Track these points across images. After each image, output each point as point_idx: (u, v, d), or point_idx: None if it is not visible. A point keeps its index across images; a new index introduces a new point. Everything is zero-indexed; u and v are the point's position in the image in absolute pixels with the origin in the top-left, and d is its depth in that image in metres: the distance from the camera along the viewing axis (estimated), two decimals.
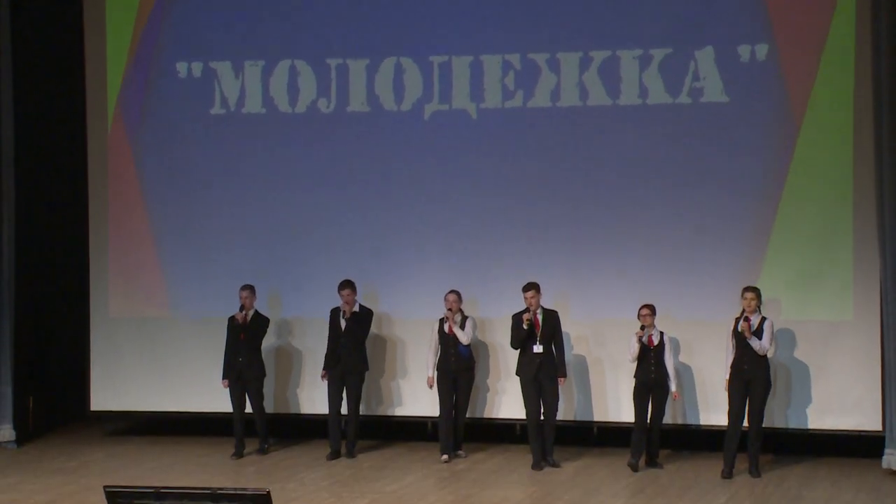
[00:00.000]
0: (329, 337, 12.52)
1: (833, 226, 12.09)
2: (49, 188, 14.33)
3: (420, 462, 12.18)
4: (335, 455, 12.31)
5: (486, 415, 12.88)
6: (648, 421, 11.68)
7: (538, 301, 11.78)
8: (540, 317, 11.77)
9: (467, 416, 12.56)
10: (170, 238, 13.60)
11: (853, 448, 12.12)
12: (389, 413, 13.13)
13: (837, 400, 12.08)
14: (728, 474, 11.27)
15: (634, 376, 11.72)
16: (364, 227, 13.14)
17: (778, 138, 12.19)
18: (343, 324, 12.37)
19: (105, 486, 8.52)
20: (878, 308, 11.82)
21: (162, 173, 13.60)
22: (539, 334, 11.75)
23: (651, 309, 11.70)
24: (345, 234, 13.17)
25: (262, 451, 12.60)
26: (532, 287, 11.80)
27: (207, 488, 8.48)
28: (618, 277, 12.50)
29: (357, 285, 12.52)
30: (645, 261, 12.48)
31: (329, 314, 12.55)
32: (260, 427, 12.63)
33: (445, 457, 12.12)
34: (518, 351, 11.90)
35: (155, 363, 13.57)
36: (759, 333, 11.36)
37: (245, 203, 13.40)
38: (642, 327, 11.62)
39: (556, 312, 11.92)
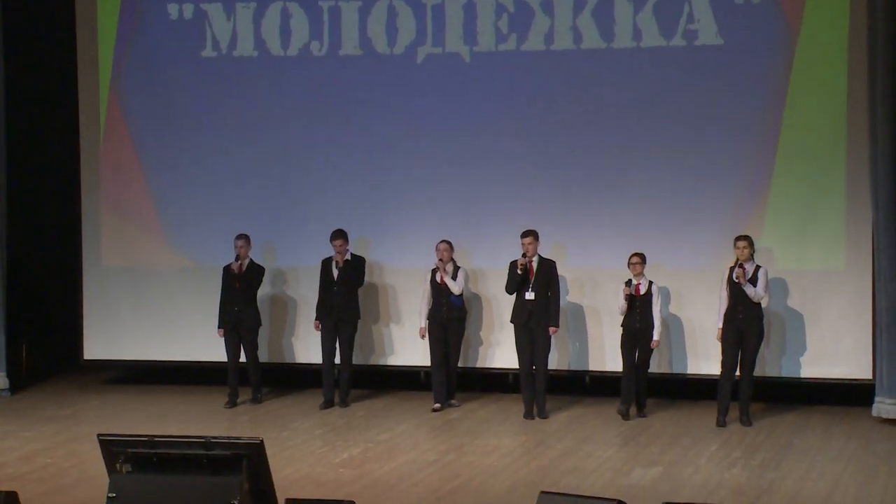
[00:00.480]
0: (320, 286, 12.50)
1: (826, 176, 12.07)
2: (40, 134, 14.27)
3: (413, 411, 12.22)
4: (328, 404, 12.34)
5: (480, 365, 12.91)
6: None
7: (535, 248, 11.77)
8: (535, 264, 11.77)
9: (460, 365, 12.59)
10: (163, 186, 13.55)
11: (844, 396, 12.18)
12: (382, 362, 13.16)
13: (829, 349, 12.12)
14: (722, 423, 11.30)
15: (621, 325, 11.76)
16: (357, 173, 13.10)
17: (772, 84, 12.14)
18: (336, 273, 12.35)
19: (99, 435, 8.54)
20: (870, 258, 11.84)
21: (153, 119, 13.52)
22: (532, 281, 11.74)
23: (641, 257, 11.70)
24: (338, 180, 13.13)
25: (256, 400, 12.63)
26: (530, 234, 11.78)
27: (201, 437, 8.50)
28: (612, 225, 12.49)
29: (350, 233, 12.50)
30: (639, 208, 12.46)
31: (320, 264, 12.53)
32: (253, 376, 12.63)
33: (437, 405, 12.15)
34: (514, 297, 11.91)
35: (148, 312, 13.57)
36: (753, 281, 11.36)
37: (238, 150, 13.35)
38: (628, 283, 11.62)
39: (553, 262, 11.91)
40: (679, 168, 12.39)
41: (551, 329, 11.82)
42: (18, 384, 13.49)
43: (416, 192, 12.98)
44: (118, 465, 8.38)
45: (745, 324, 11.34)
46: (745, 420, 11.38)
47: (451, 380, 12.35)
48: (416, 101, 12.95)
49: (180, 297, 13.47)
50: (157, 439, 8.44)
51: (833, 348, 12.10)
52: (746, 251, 11.37)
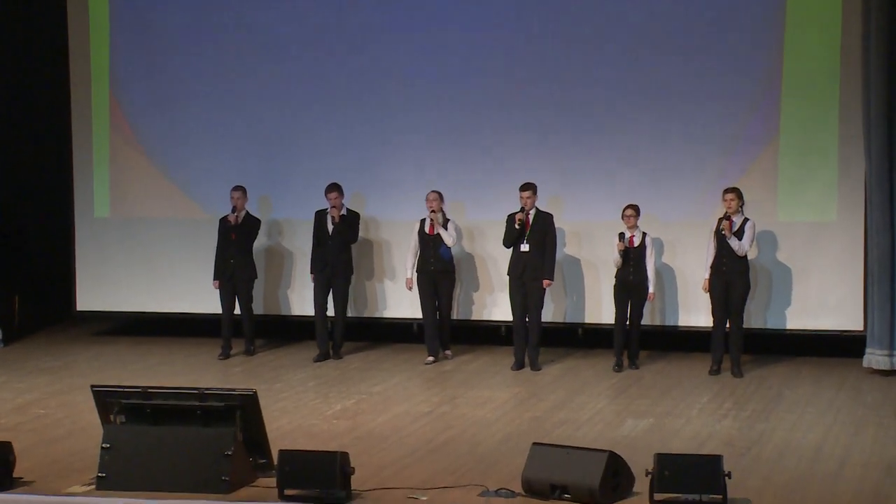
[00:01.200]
0: (314, 240, 12.48)
1: (818, 127, 12.06)
2: (30, 86, 14.18)
3: (406, 363, 12.25)
4: (323, 357, 12.35)
5: (474, 317, 12.92)
6: (628, 322, 11.76)
7: (533, 202, 11.74)
8: (532, 217, 11.74)
9: (454, 317, 12.61)
10: (156, 138, 13.51)
11: (835, 348, 12.23)
12: (376, 315, 13.17)
13: (820, 300, 12.15)
14: (716, 371, 11.40)
15: (615, 276, 11.77)
16: (352, 127, 13.04)
17: (766, 37, 12.10)
18: (330, 227, 12.32)
19: (92, 386, 8.57)
20: (863, 209, 11.85)
21: (148, 74, 13.45)
22: (528, 234, 11.72)
23: (635, 209, 11.69)
24: (333, 135, 13.08)
25: (249, 352, 12.64)
26: (528, 187, 11.75)
27: (195, 388, 8.54)
28: (606, 178, 12.47)
29: (346, 186, 12.47)
30: (632, 160, 12.44)
31: (314, 216, 12.51)
32: (247, 329, 12.64)
33: (431, 359, 12.14)
34: (510, 251, 11.91)
35: (141, 263, 13.57)
36: (739, 234, 11.37)
37: (231, 102, 13.28)
38: (621, 236, 11.57)
39: (550, 215, 11.87)
40: (673, 121, 12.36)
41: (545, 282, 11.83)
42: (11, 335, 13.51)
43: (412, 145, 12.94)
44: (112, 416, 8.42)
45: (730, 276, 11.38)
46: (737, 372, 11.43)
47: (445, 332, 12.34)
48: (411, 54, 12.86)
49: (173, 248, 13.46)
50: (150, 390, 8.48)
51: (825, 300, 12.13)
52: (735, 203, 11.36)
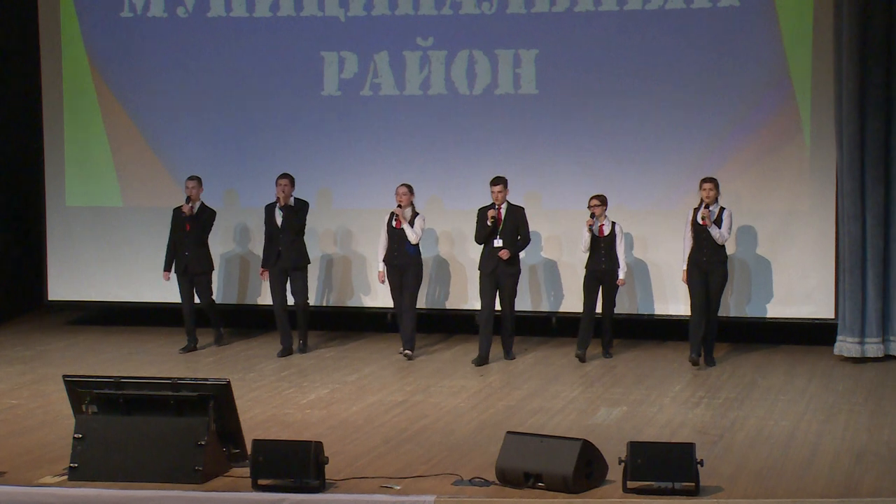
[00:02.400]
0: (266, 233, 12.15)
1: (790, 115, 12.11)
2: (1, 75, 14.10)
3: (380, 353, 12.24)
4: (286, 352, 12.07)
5: (449, 306, 12.91)
6: (599, 311, 11.72)
7: (504, 196, 11.57)
8: (504, 211, 11.58)
9: (426, 306, 12.57)
10: (126, 128, 13.44)
11: (807, 336, 12.29)
12: (350, 304, 13.15)
13: (792, 289, 12.22)
14: (695, 360, 11.28)
15: (585, 266, 11.69)
16: (321, 118, 13.02)
17: (738, 32, 12.13)
18: (279, 217, 11.99)
19: (64, 376, 8.52)
20: (834, 198, 11.90)
21: (122, 61, 13.39)
22: (500, 229, 11.58)
23: (601, 199, 11.59)
24: (302, 123, 13.06)
25: (219, 343, 12.54)
26: (500, 181, 11.57)
27: (168, 378, 8.51)
28: (580, 168, 12.48)
29: (314, 175, 12.39)
30: (605, 149, 12.47)
31: (264, 211, 12.20)
32: (212, 319, 12.46)
33: (408, 352, 11.89)
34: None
35: (112, 253, 13.52)
36: (717, 223, 11.34)
37: (199, 93, 13.25)
38: (592, 216, 11.51)
39: (521, 208, 11.71)
40: (645, 109, 12.39)
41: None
42: None
43: (381, 130, 12.92)
44: (84, 406, 8.38)
45: (709, 266, 11.31)
46: (710, 360, 11.46)
47: (406, 329, 11.88)
48: (377, 41, 12.85)
49: (144, 238, 13.40)
50: (123, 380, 8.45)
51: (797, 288, 12.20)
52: (712, 193, 11.29)
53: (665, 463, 7.68)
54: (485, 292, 11.71)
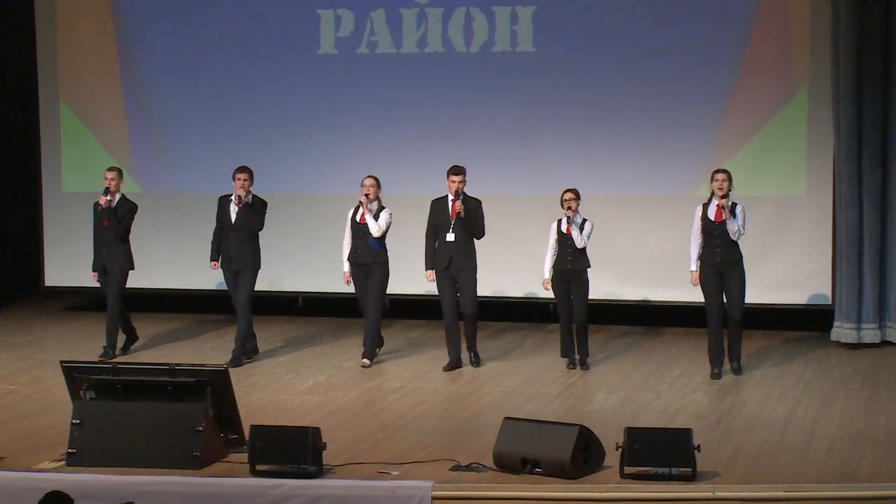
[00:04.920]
0: (216, 228, 11.19)
1: (787, 100, 12.10)
2: None
3: (387, 335, 12.16)
4: (235, 363, 10.88)
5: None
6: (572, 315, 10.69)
7: (463, 187, 10.68)
8: (460, 203, 10.67)
9: (412, 292, 12.24)
10: (123, 113, 13.42)
11: (804, 321, 12.30)
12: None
13: (789, 275, 12.22)
14: (717, 375, 10.38)
15: (552, 267, 10.71)
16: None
17: (735, 18, 12.11)
18: (233, 216, 11.05)
19: (62, 362, 8.53)
20: (831, 183, 11.90)
21: (117, 44, 13.38)
22: (454, 222, 10.71)
23: (575, 193, 10.61)
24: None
25: (107, 355, 11.17)
26: (461, 171, 10.73)
27: (165, 364, 8.52)
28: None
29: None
30: (604, 137, 12.45)
31: (217, 202, 11.26)
32: (109, 327, 11.27)
33: (366, 361, 10.99)
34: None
35: None
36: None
37: (202, 80, 13.24)
38: (568, 209, 10.52)
39: (478, 201, 10.80)
40: (642, 98, 12.36)
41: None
42: None
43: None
44: (82, 392, 8.40)
45: (724, 266, 10.35)
46: (737, 368, 10.52)
47: (368, 334, 10.97)
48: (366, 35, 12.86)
49: (140, 223, 13.35)
50: (120, 366, 8.47)
51: (794, 274, 12.20)
52: (725, 185, 10.29)
53: (662, 448, 7.70)
54: (444, 291, 10.83)
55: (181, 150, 13.29)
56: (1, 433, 8.77)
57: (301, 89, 13.02)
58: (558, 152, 12.51)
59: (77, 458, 8.11)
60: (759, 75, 12.12)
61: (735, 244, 10.37)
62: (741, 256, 10.46)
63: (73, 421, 8.23)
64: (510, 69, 12.60)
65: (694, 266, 10.44)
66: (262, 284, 12.87)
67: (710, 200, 10.42)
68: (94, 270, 11.40)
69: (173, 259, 12.98)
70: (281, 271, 12.78)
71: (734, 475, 7.86)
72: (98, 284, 11.47)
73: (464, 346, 11.01)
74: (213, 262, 11.27)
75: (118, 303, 11.28)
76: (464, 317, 10.89)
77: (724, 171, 10.44)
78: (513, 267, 12.40)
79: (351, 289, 11.24)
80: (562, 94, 12.52)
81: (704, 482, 7.69)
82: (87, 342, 12.15)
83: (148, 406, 8.25)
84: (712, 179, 10.41)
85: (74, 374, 8.43)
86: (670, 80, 12.29)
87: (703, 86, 12.22)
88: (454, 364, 10.87)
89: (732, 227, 10.29)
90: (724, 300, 10.46)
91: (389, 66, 12.85)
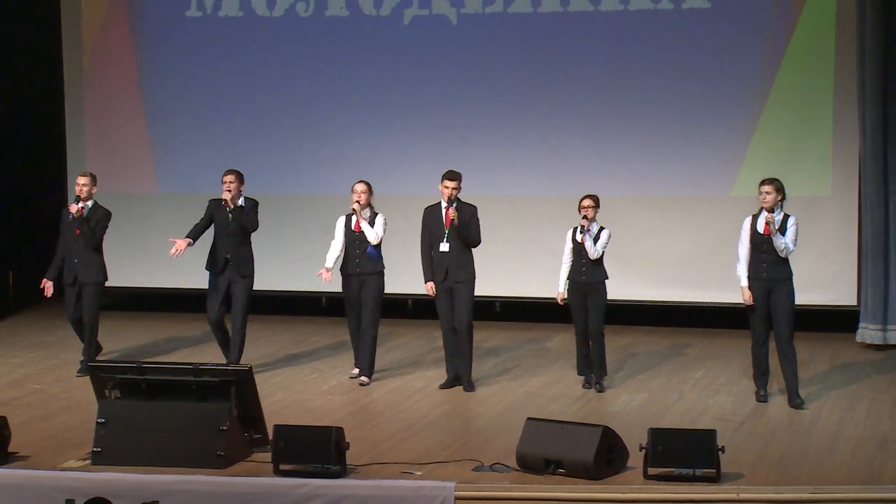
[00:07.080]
0: (201, 222, 10.76)
1: (813, 101, 12.05)
2: (22, 68, 14.14)
3: (400, 339, 12.25)
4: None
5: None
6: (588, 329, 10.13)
7: (458, 193, 10.13)
8: (454, 210, 10.09)
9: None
10: (149, 115, 13.48)
11: (829, 322, 12.25)
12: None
13: (814, 275, 12.15)
14: (763, 398, 9.72)
15: (567, 278, 10.18)
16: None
17: (762, 18, 12.07)
18: (226, 218, 10.56)
19: (87, 361, 8.57)
20: (857, 184, 11.86)
21: (141, 40, 13.45)
22: (447, 231, 10.15)
23: (594, 200, 10.04)
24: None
25: (82, 370, 10.60)
26: (457, 176, 10.14)
27: (189, 364, 8.55)
28: (603, 161, 12.44)
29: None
30: (628, 132, 12.43)
31: (207, 205, 10.79)
32: (88, 337, 10.80)
33: (355, 371, 10.60)
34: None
35: (135, 238, 13.55)
36: (781, 232, 9.53)
37: (220, 83, 13.33)
38: (585, 218, 10.00)
39: (473, 207, 10.23)
40: (665, 97, 12.35)
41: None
42: (5, 310, 13.51)
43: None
44: (107, 392, 8.43)
45: (772, 284, 9.54)
46: (797, 401, 9.56)
47: (363, 350, 10.44)
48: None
49: (167, 224, 13.40)
50: (145, 366, 8.49)
51: (819, 275, 12.14)
52: (771, 197, 9.51)
53: (686, 449, 7.68)
54: (440, 306, 10.25)
55: (205, 151, 13.32)
56: (26, 432, 8.81)
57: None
58: (578, 153, 12.52)
59: (102, 457, 8.14)
60: (784, 77, 12.06)
61: (784, 261, 9.53)
62: (791, 274, 9.60)
63: (98, 420, 8.26)
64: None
65: (744, 282, 9.64)
66: (285, 284, 12.96)
67: (760, 211, 9.63)
68: (55, 280, 10.77)
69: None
70: (304, 271, 12.77)
71: (758, 477, 7.84)
72: (49, 295, 10.83)
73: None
74: (186, 238, 10.64)
75: (97, 316, 10.80)
76: (457, 330, 10.19)
77: (770, 182, 9.57)
78: (537, 267, 12.39)
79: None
80: (578, 93, 12.53)
81: (728, 483, 7.67)
82: (111, 341, 12.17)
83: (172, 405, 8.28)
84: (759, 191, 9.59)
85: (99, 373, 8.47)
86: (696, 80, 12.26)
87: (730, 89, 12.19)
88: (451, 382, 10.29)
89: (779, 243, 9.48)
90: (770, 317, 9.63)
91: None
